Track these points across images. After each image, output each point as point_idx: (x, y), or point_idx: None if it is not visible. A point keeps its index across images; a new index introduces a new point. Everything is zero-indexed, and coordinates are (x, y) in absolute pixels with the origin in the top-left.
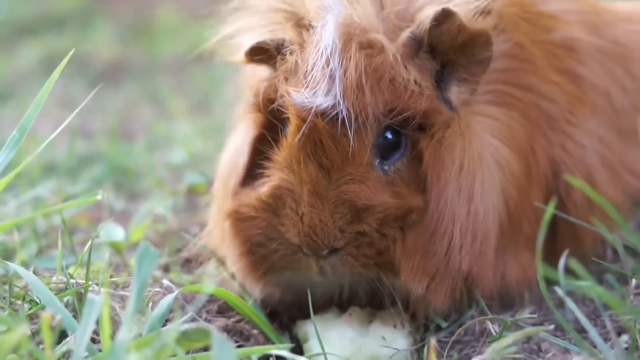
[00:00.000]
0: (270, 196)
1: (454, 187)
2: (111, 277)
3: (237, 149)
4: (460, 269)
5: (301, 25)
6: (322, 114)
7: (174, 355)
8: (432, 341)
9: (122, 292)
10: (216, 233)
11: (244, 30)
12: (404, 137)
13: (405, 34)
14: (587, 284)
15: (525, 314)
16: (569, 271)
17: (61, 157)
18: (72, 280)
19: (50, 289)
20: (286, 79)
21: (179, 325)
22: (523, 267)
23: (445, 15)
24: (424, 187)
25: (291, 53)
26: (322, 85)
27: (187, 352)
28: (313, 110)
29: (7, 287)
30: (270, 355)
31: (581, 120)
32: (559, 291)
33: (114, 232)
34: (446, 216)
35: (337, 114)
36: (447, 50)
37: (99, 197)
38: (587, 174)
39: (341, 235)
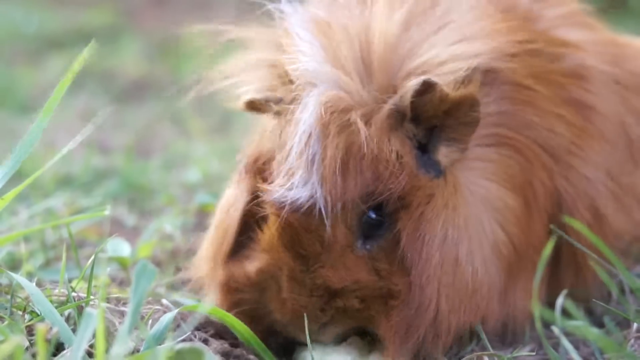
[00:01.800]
0: (256, 276)
1: (437, 260)
2: (113, 292)
3: (230, 210)
4: (454, 329)
5: (291, 91)
6: (298, 207)
7: None
8: None
9: (122, 308)
10: (203, 273)
11: (243, 79)
12: (385, 215)
13: (388, 106)
14: (580, 325)
15: (524, 351)
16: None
17: (78, 170)
18: (74, 294)
19: (51, 301)
20: (268, 160)
21: (172, 344)
22: (528, 297)
23: (426, 87)
24: (405, 263)
25: (276, 127)
26: (298, 175)
27: None
28: (287, 206)
29: (9, 297)
30: None
31: (586, 151)
32: (556, 330)
33: (120, 247)
34: (430, 290)
35: (312, 204)
36: (431, 118)
37: (106, 212)
38: (590, 205)
39: (323, 313)
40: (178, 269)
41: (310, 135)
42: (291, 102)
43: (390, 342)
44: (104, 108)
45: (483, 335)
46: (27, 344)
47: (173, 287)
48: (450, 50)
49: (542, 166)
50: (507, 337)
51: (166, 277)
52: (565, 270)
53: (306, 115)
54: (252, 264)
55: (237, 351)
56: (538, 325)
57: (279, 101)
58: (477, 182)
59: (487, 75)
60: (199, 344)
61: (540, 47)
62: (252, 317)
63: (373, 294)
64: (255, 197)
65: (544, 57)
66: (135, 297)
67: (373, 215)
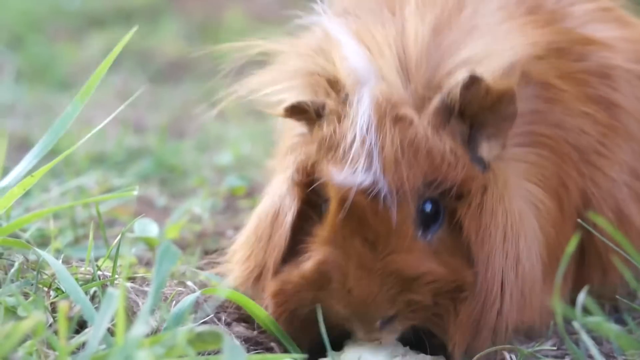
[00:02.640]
0: (314, 272)
1: (500, 254)
2: (139, 272)
3: (279, 218)
4: (507, 328)
5: (337, 93)
6: (363, 191)
7: (185, 356)
8: None
9: (146, 288)
10: (244, 282)
11: (282, 85)
12: (441, 206)
13: (434, 103)
14: (598, 321)
15: (546, 346)
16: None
17: (112, 149)
18: (99, 273)
19: (77, 279)
20: (325, 155)
21: (190, 326)
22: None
23: (473, 80)
24: (469, 257)
25: (328, 124)
26: (361, 162)
27: (201, 354)
28: (354, 188)
29: (35, 273)
30: None
31: (613, 150)
32: (576, 326)
33: (148, 227)
34: (495, 286)
35: (377, 189)
36: (476, 113)
37: (135, 192)
38: (615, 206)
39: (392, 305)
40: (205, 252)
41: (368, 126)
42: (339, 101)
43: (458, 339)
44: (141, 88)
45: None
46: (50, 320)
47: (199, 268)
48: (486, 48)
49: (573, 166)
50: (532, 332)
51: (193, 259)
52: (591, 269)
53: (363, 108)
54: (309, 261)
55: (260, 337)
56: (559, 320)
57: (322, 105)
58: (519, 183)
59: (520, 73)
60: (219, 327)
61: (566, 47)
62: (305, 321)
63: (444, 288)
64: (306, 206)
65: (569, 56)
66: (158, 278)
67: (429, 207)
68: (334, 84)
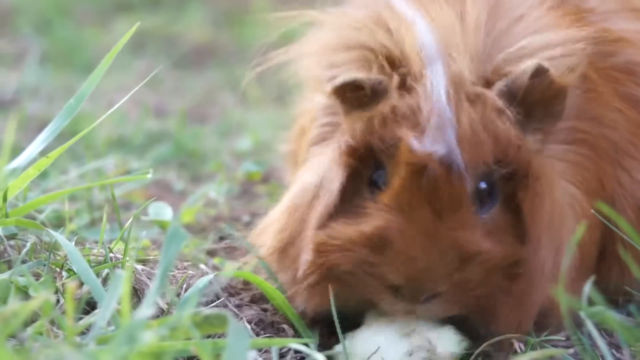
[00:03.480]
0: (374, 235)
1: (547, 240)
2: (153, 255)
3: (322, 186)
4: (539, 310)
5: (395, 69)
6: (439, 160)
7: (191, 338)
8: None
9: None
10: (273, 250)
11: (331, 58)
12: (495, 186)
13: (498, 87)
14: (600, 311)
15: (557, 336)
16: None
17: (133, 133)
18: (111, 255)
19: (89, 260)
20: (397, 122)
21: (198, 309)
22: (574, 289)
23: (539, 71)
24: (521, 238)
25: (399, 95)
26: (438, 132)
27: (208, 337)
28: (432, 156)
29: (48, 254)
30: (298, 351)
31: (639, 149)
32: (582, 315)
33: (163, 211)
34: (539, 269)
35: (452, 161)
36: (534, 104)
37: (149, 175)
38: (637, 207)
39: (446, 279)
40: (220, 236)
41: (445, 100)
42: (409, 75)
43: (506, 316)
44: (166, 72)
45: None
46: (62, 301)
47: (212, 252)
48: (542, 38)
49: (610, 162)
50: (544, 325)
51: (207, 243)
52: (610, 267)
53: (438, 81)
54: (370, 223)
55: (271, 318)
56: (563, 309)
57: (379, 82)
58: (561, 183)
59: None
60: (225, 310)
61: (598, 43)
62: (346, 284)
63: (498, 267)
64: (353, 177)
65: (599, 52)
66: (165, 260)
67: (484, 184)
68: (393, 60)
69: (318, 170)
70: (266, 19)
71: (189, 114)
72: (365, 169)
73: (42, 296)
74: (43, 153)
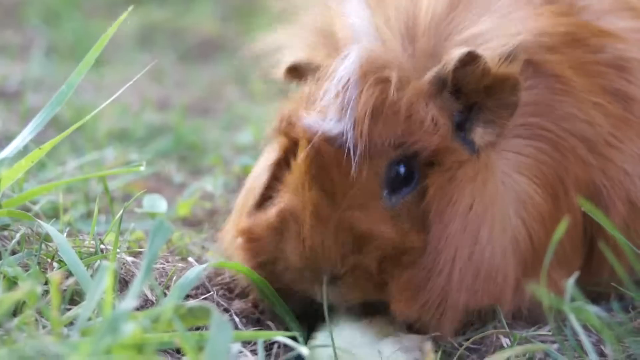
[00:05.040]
0: (276, 218)
1: (459, 225)
2: (144, 247)
3: (259, 171)
4: (462, 304)
5: (337, 51)
6: (330, 139)
7: (174, 331)
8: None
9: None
10: (229, 243)
11: (286, 46)
12: (416, 172)
13: (430, 73)
14: (579, 306)
15: (542, 331)
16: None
17: (133, 125)
18: (102, 246)
19: (80, 252)
20: (305, 106)
21: (176, 300)
22: (555, 283)
23: (470, 58)
24: (427, 223)
25: (314, 79)
26: (334, 111)
27: (196, 329)
28: (320, 133)
29: (39, 245)
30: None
31: (625, 142)
32: (566, 310)
33: (157, 203)
34: (445, 255)
35: (345, 141)
36: (471, 92)
37: (142, 168)
38: (627, 199)
39: (341, 263)
40: (216, 229)
41: (348, 80)
42: (332, 56)
43: (398, 300)
44: (171, 66)
45: (501, 316)
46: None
47: (207, 246)
48: (494, 29)
49: (577, 159)
50: (533, 320)
51: (202, 236)
52: (601, 261)
53: (347, 63)
54: (274, 207)
55: (257, 315)
56: (545, 304)
57: (318, 68)
58: (509, 174)
59: (527, 66)
60: (208, 303)
61: (581, 38)
62: (271, 273)
63: (391, 251)
64: (286, 155)
65: (585, 47)
66: (150, 252)
67: (402, 169)
68: (329, 41)
69: (260, 163)
70: (275, 13)
71: (193, 107)
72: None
73: (26, 286)
74: (40, 144)
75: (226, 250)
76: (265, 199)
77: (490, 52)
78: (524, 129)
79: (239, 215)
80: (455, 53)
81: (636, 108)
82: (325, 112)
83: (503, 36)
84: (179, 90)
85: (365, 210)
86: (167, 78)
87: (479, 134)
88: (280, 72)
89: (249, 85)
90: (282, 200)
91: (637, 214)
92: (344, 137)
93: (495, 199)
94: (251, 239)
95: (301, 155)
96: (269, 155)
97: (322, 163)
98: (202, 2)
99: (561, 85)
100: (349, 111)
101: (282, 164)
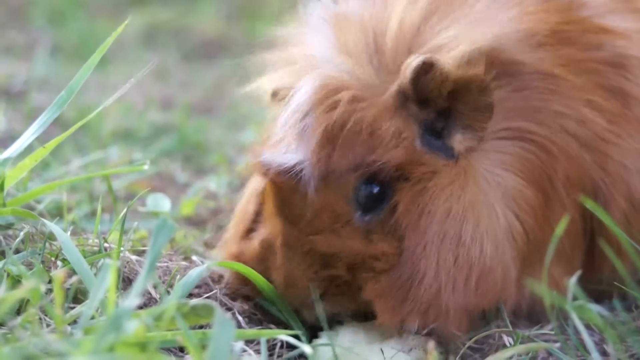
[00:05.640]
0: (260, 248)
1: (436, 233)
2: (148, 246)
3: (249, 196)
4: (460, 307)
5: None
6: (284, 170)
7: (177, 329)
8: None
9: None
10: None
11: (273, 73)
12: (388, 189)
13: (393, 87)
14: (581, 304)
15: (545, 330)
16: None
17: (137, 125)
18: (105, 245)
19: (84, 251)
20: (268, 137)
21: (178, 298)
22: (555, 280)
23: (426, 65)
24: (398, 232)
25: (279, 109)
26: (289, 143)
27: (200, 327)
28: (275, 168)
29: (43, 243)
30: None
31: (623, 137)
32: (568, 308)
33: (161, 202)
34: (426, 262)
35: (299, 170)
36: (437, 99)
37: (145, 167)
38: (628, 194)
39: (316, 285)
40: (219, 228)
41: (302, 111)
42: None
43: (379, 305)
44: (176, 65)
45: (504, 314)
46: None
47: (208, 244)
48: (460, 33)
49: (568, 157)
50: (534, 317)
51: (205, 235)
52: (602, 258)
53: (301, 92)
54: (258, 237)
55: (263, 311)
56: (547, 304)
57: (284, 90)
58: (493, 171)
59: (511, 67)
60: (212, 301)
61: (575, 35)
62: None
63: (361, 261)
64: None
65: (579, 45)
66: (153, 251)
67: (374, 188)
68: (297, 71)
69: (251, 182)
70: (279, 13)
71: (197, 106)
72: None
73: (29, 284)
74: (44, 143)
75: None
76: (251, 228)
77: (449, 57)
78: (506, 132)
79: (231, 242)
80: (411, 63)
81: (634, 104)
82: (278, 143)
83: (466, 41)
84: (183, 89)
85: (331, 232)
86: (171, 77)
87: (458, 140)
88: (267, 98)
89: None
90: (261, 231)
91: (638, 208)
92: (299, 167)
93: (477, 199)
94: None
95: (267, 189)
96: (256, 181)
97: (282, 194)
98: (206, 2)
99: (549, 84)
100: (303, 140)
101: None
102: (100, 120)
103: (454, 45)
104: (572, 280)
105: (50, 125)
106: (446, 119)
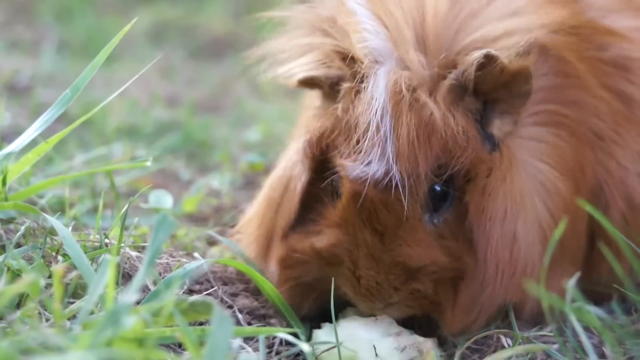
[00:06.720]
0: (326, 251)
1: (498, 235)
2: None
3: (290, 186)
4: (500, 304)
5: (351, 69)
6: (376, 182)
7: (175, 325)
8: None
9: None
10: (252, 249)
11: (294, 59)
12: (451, 188)
13: (449, 81)
14: (579, 306)
15: (544, 332)
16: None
17: (142, 121)
18: (106, 241)
19: (85, 246)
20: (339, 137)
21: (175, 293)
22: (563, 279)
23: (488, 60)
24: (471, 238)
25: (343, 105)
26: (374, 151)
27: (200, 324)
28: (367, 181)
29: (44, 238)
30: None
31: (626, 140)
32: (567, 310)
33: (163, 199)
34: (491, 266)
35: (389, 180)
36: (490, 91)
37: (148, 163)
38: (627, 196)
39: (396, 293)
40: (221, 225)
41: (383, 112)
42: (355, 80)
43: (456, 322)
44: (182, 63)
45: (511, 314)
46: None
47: (210, 241)
48: (503, 25)
49: (590, 148)
50: (538, 319)
51: (207, 232)
52: (601, 259)
53: (378, 92)
54: (322, 239)
55: (262, 311)
56: (544, 305)
57: (337, 79)
58: (530, 162)
59: (538, 49)
60: (211, 298)
61: (585, 33)
62: (307, 288)
63: (445, 276)
64: (316, 175)
65: (589, 44)
66: (152, 247)
67: (439, 188)
68: (348, 61)
69: (287, 167)
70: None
71: (203, 104)
72: (325, 170)
73: (29, 279)
74: (48, 138)
75: (248, 253)
76: (298, 222)
77: (504, 49)
78: (540, 116)
79: (268, 235)
80: (473, 57)
81: (636, 108)
82: (365, 153)
83: (513, 33)
84: (189, 87)
85: (413, 243)
86: (178, 75)
87: (497, 126)
88: (292, 82)
89: (259, 83)
90: (331, 235)
91: (636, 211)
92: (388, 177)
93: (524, 194)
94: (291, 265)
95: (347, 197)
96: (298, 173)
97: (370, 205)
98: (214, 0)
99: (570, 69)
100: (388, 146)
101: (313, 185)
102: (105, 117)
103: (498, 38)
104: (571, 282)
105: (55, 121)
106: (485, 106)
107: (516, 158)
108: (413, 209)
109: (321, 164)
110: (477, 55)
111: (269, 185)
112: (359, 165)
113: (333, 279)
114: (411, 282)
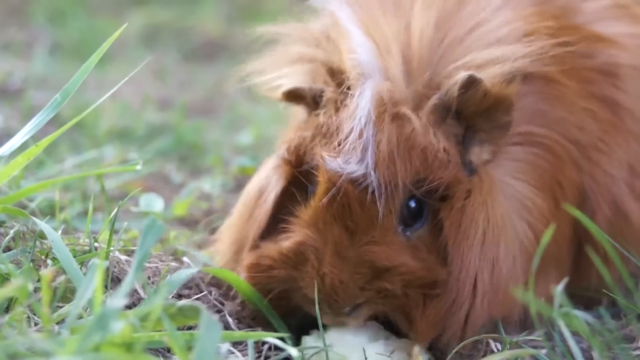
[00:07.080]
0: (292, 251)
1: (477, 255)
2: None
3: (263, 195)
4: (481, 324)
5: (337, 83)
6: (353, 181)
7: (163, 329)
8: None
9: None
10: (225, 257)
11: (282, 70)
12: (425, 205)
13: (432, 101)
14: (566, 312)
15: (532, 336)
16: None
17: (134, 124)
18: (96, 244)
19: (74, 250)
20: (320, 141)
21: (163, 299)
22: (548, 285)
23: (471, 82)
24: (445, 256)
25: (326, 113)
26: (355, 153)
27: (188, 328)
28: (344, 177)
29: (33, 242)
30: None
31: (612, 147)
32: (555, 316)
33: (154, 202)
34: (467, 285)
35: (367, 182)
36: (472, 115)
37: (138, 167)
38: (612, 202)
39: (361, 293)
40: (212, 230)
41: (366, 121)
42: (340, 89)
43: (423, 333)
44: (176, 65)
45: (500, 324)
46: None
47: (200, 245)
48: (488, 53)
49: (572, 163)
50: (526, 324)
51: (197, 236)
52: (589, 265)
53: (364, 102)
54: (289, 240)
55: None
56: (533, 312)
57: (320, 93)
58: (506, 181)
59: (522, 75)
60: (199, 303)
61: (573, 43)
62: (279, 297)
63: (416, 281)
64: (291, 187)
65: (577, 53)
66: (141, 251)
67: (413, 205)
68: (335, 74)
69: (262, 177)
70: (279, 14)
71: (196, 107)
72: (301, 183)
73: (17, 283)
74: (39, 141)
75: (221, 260)
76: (269, 230)
77: (490, 73)
78: (517, 137)
79: (240, 242)
80: (457, 78)
81: (624, 114)
82: (347, 153)
83: (496, 62)
84: (182, 90)
85: (384, 245)
86: (170, 77)
87: (476, 154)
88: (278, 94)
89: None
90: (299, 234)
91: (622, 217)
92: (366, 179)
93: (505, 217)
94: (259, 271)
95: (321, 192)
96: (274, 182)
97: (345, 203)
98: (207, 3)
99: (553, 89)
100: (369, 152)
101: (287, 196)
102: (96, 119)
103: (482, 66)
104: (559, 288)
105: (47, 124)
106: (465, 133)
107: (495, 181)
108: (388, 217)
109: (298, 174)
110: (461, 76)
111: (245, 193)
112: (339, 160)
113: (300, 283)
114: (378, 281)
